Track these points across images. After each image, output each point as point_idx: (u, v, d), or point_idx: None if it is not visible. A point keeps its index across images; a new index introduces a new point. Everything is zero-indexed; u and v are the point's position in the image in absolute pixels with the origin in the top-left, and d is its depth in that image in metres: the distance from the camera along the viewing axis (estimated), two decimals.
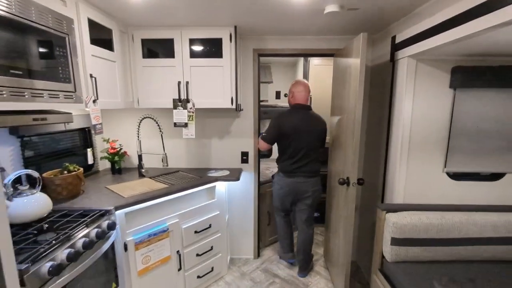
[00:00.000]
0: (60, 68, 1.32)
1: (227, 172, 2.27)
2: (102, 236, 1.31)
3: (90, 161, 2.11)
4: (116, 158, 2.18)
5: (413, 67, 1.60)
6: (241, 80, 2.31)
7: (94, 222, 1.37)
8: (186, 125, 2.06)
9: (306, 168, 2.15)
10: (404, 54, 1.62)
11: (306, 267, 2.37)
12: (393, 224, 1.58)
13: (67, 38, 1.36)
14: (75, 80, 1.41)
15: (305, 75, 2.95)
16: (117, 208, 1.52)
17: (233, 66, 1.99)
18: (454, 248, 1.59)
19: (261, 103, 2.55)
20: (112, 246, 1.47)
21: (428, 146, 1.67)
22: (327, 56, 2.31)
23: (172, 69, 2.00)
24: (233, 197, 2.52)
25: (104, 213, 1.46)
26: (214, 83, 2.02)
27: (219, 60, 1.98)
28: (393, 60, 1.75)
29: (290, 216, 2.46)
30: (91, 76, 1.52)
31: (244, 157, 2.44)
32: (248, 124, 2.39)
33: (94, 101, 1.54)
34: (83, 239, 1.22)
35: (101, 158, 2.22)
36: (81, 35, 1.46)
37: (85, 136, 2.16)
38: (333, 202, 2.18)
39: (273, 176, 2.45)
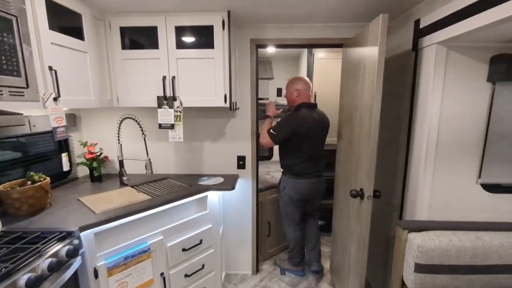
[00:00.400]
0: (3, 58, 1.05)
1: (221, 180, 2.00)
2: (56, 267, 1.05)
3: (65, 167, 1.83)
4: (95, 164, 1.92)
5: (442, 56, 1.31)
6: (236, 75, 2.03)
7: (50, 248, 1.10)
8: (172, 126, 1.79)
9: (317, 167, 2.10)
10: (431, 40, 1.33)
11: (320, 258, 2.36)
12: (418, 247, 1.30)
13: (14, 21, 1.09)
14: (27, 74, 1.15)
15: (309, 70, 2.66)
16: (82, 229, 1.26)
17: (227, 58, 1.72)
18: (493, 277, 1.30)
19: (261, 101, 2.28)
20: (76, 276, 1.21)
21: (459, 152, 1.38)
22: (334, 47, 2.02)
23: (156, 62, 1.72)
24: (229, 206, 2.25)
25: (65, 236, 1.20)
26: (205, 78, 1.74)
27: (210, 51, 1.71)
28: (416, 49, 1.47)
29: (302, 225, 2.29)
30: (50, 68, 1.26)
31: (241, 162, 2.17)
32: (245, 125, 2.12)
33: (55, 99, 1.28)
34: (28, 275, 0.95)
35: (77, 164, 1.96)
36: (35, 18, 1.19)
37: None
38: (343, 214, 1.90)
39: (279, 183, 2.23)
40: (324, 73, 2.70)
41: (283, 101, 2.48)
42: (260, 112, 2.18)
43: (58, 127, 1.30)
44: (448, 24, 1.22)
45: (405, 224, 1.41)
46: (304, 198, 2.13)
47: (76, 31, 1.47)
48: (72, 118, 1.96)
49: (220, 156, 2.16)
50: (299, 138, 1.99)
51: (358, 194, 1.51)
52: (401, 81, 1.66)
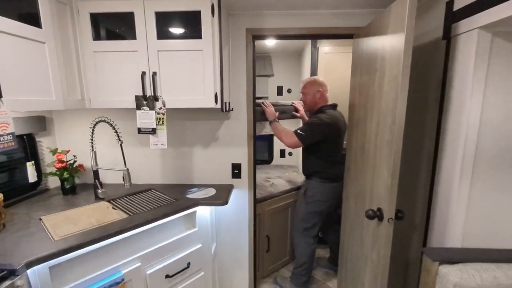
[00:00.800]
0: None
1: (212, 191, 1.74)
2: None
3: (31, 178, 1.59)
4: (66, 175, 1.66)
5: (486, 45, 1.04)
6: (230, 71, 1.76)
7: None
8: (154, 131, 1.52)
9: (342, 170, 1.93)
10: (470, 25, 1.06)
11: None
12: (454, 286, 1.03)
13: None
14: None
15: (314, 66, 2.38)
16: (30, 265, 0.99)
17: (217, 50, 1.45)
18: None
19: (258, 101, 2.01)
20: None
21: (506, 165, 1.11)
22: (344, 38, 1.74)
23: (134, 55, 1.45)
24: (223, 220, 1.99)
25: (6, 276, 0.93)
26: (191, 74, 1.47)
27: (198, 42, 1.44)
28: (448, 37, 1.19)
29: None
30: None
31: (236, 170, 1.90)
32: (241, 128, 1.85)
33: None
34: None
35: (46, 174, 1.70)
36: None
37: (25, 145, 1.63)
38: (354, 234, 1.63)
39: (305, 190, 2.04)
40: (330, 69, 2.43)
41: (284, 100, 2.21)
42: (257, 113, 1.91)
43: (1, 135, 1.03)
44: (494, 3, 0.95)
45: (435, 253, 1.14)
46: (334, 204, 2.06)
47: (31, 17, 1.20)
48: (39, 121, 1.69)
49: (212, 164, 1.90)
50: (332, 141, 1.92)
51: (376, 215, 1.24)
52: (426, 77, 1.39)
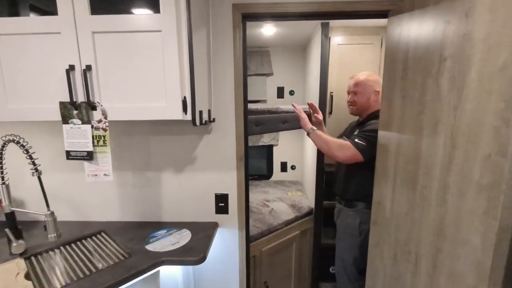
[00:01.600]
0: None
1: (186, 236, 1.22)
2: None
3: None
4: None
5: None
6: (211, 65, 1.24)
7: None
8: (90, 156, 1.00)
9: None
10: None
11: None
12: None
13: None
14: None
15: (324, 62, 1.83)
16: None
17: (185, 31, 0.93)
18: None
19: (254, 107, 1.49)
20: None
21: None
22: (373, 17, 1.23)
23: (56, 39, 0.94)
24: (203, 274, 1.46)
25: None
26: (146, 68, 0.96)
27: (153, 20, 0.92)
28: None
29: None
30: None
31: (221, 203, 1.38)
32: (227, 145, 1.33)
33: None
34: None
35: None
36: None
37: None
38: None
39: (359, 223, 1.51)
40: (345, 64, 1.91)
41: (286, 105, 1.69)
42: (275, 122, 1.40)
43: None
44: None
45: None
46: None
47: None
48: None
49: (188, 194, 1.37)
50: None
51: None
52: None
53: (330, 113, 1.96)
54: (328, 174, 1.94)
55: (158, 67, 0.95)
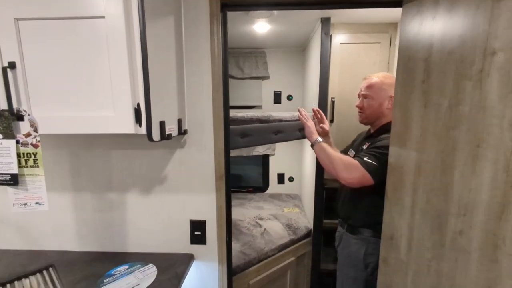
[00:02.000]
0: None
1: (151, 274, 0.98)
2: None
3: None
4: None
5: None
6: (183, 64, 1.02)
7: None
8: (15, 180, 0.77)
9: None
10: None
11: None
12: None
13: None
14: None
15: (324, 64, 1.59)
16: None
17: (136, 17, 0.71)
18: None
19: (240, 115, 1.25)
20: None
21: None
22: (384, 5, 0.99)
23: None
24: None
25: None
26: (86, 66, 0.73)
27: (94, 1, 0.70)
28: None
29: None
30: None
31: (198, 231, 1.13)
32: (203, 161, 1.09)
33: None
34: None
35: None
36: None
37: None
38: None
39: (363, 256, 1.25)
40: (348, 66, 1.68)
41: (280, 113, 1.46)
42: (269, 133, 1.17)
43: None
44: None
45: None
46: None
47: None
48: None
49: (157, 220, 1.14)
50: None
51: None
52: None
53: (332, 121, 1.72)
54: (330, 189, 1.71)
55: (102, 66, 0.73)
